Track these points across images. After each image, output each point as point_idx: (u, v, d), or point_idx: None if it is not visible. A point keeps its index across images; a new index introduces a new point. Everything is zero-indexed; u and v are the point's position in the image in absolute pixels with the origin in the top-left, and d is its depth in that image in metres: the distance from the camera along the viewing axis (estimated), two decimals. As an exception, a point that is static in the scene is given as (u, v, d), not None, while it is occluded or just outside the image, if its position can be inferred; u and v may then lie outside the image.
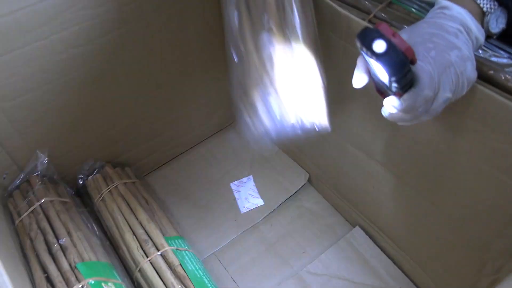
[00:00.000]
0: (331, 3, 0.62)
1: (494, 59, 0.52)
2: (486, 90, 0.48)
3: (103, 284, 0.65)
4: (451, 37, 0.46)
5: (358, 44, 0.41)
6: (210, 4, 0.81)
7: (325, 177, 0.88)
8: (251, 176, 0.94)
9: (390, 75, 0.42)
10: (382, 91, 0.49)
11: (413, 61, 0.42)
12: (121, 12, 0.71)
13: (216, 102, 0.99)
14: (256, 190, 0.92)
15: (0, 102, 0.69)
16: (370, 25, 0.48)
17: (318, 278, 0.80)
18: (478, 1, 0.48)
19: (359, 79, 0.48)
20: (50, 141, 0.79)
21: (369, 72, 0.48)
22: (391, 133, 0.65)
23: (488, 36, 0.50)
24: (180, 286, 0.69)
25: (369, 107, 0.66)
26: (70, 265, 0.66)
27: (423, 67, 0.44)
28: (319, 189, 0.92)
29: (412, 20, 0.59)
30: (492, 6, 0.48)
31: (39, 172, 0.77)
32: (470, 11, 0.48)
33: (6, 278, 0.40)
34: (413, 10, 0.60)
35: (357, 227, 0.85)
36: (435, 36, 0.46)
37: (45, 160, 0.78)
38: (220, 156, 1.00)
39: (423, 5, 0.60)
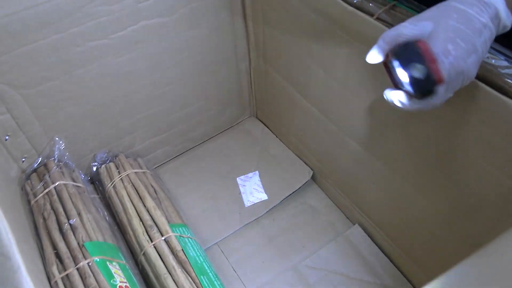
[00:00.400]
0: (341, 2, 0.65)
1: (492, 61, 0.54)
2: (485, 87, 0.50)
3: (107, 263, 0.69)
4: (474, 36, 0.45)
5: (393, 57, 0.43)
6: (222, 3, 0.85)
7: (328, 174, 0.91)
8: (257, 172, 0.98)
9: (414, 92, 0.44)
10: (394, 82, 0.50)
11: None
12: (137, 9, 0.76)
13: (227, 100, 1.03)
14: (261, 185, 0.95)
15: (22, 90, 0.74)
16: (410, 39, 0.47)
17: (316, 272, 0.82)
18: None
19: (374, 57, 0.49)
20: (67, 129, 0.83)
21: (387, 56, 0.48)
22: (392, 129, 0.67)
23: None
24: (180, 269, 0.73)
25: (370, 103, 0.69)
26: (78, 243, 0.70)
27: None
28: (322, 186, 0.95)
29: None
30: None
31: (55, 157, 0.82)
32: None
33: (16, 251, 0.44)
34: (418, 12, 0.62)
35: (357, 224, 0.87)
36: (459, 36, 0.45)
37: (62, 146, 0.82)
38: (229, 152, 1.03)
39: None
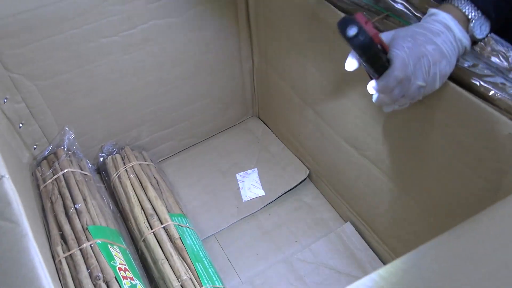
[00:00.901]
0: (335, 9, 0.69)
1: (476, 70, 0.58)
2: (457, 88, 0.54)
3: (109, 246, 0.74)
4: (432, 35, 0.52)
5: (338, 29, 0.49)
6: (228, 8, 0.90)
7: (323, 173, 0.95)
8: (256, 169, 1.02)
9: (359, 56, 0.50)
10: (370, 77, 0.56)
11: (384, 48, 0.50)
12: (147, 9, 0.81)
13: (231, 100, 1.07)
14: (259, 182, 0.99)
15: (37, 81, 0.79)
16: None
17: (307, 265, 0.86)
18: (463, 9, 0.54)
19: (350, 64, 0.56)
20: (77, 120, 0.88)
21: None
22: (378, 130, 0.71)
23: (474, 42, 0.55)
24: (177, 256, 0.77)
25: (360, 105, 0.73)
26: (82, 226, 0.75)
27: (398, 54, 0.51)
28: (318, 185, 0.99)
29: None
30: (476, 14, 0.54)
31: (65, 146, 0.87)
32: (456, 17, 0.54)
33: (25, 220, 0.48)
34: (411, 23, 0.66)
35: (348, 222, 0.91)
36: (418, 34, 0.53)
37: (72, 136, 0.87)
38: (230, 149, 1.08)
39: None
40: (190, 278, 0.75)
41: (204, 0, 0.86)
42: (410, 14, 0.67)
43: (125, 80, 0.88)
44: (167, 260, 0.77)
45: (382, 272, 0.39)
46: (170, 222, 0.82)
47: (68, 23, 0.76)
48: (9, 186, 0.49)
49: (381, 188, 0.77)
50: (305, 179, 0.99)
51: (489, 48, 0.60)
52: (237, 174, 1.01)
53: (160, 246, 0.79)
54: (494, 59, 0.59)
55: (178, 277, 0.75)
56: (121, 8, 0.78)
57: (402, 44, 0.51)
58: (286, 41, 0.85)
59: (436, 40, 0.52)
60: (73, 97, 0.85)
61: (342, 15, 0.68)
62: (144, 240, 0.81)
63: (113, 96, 0.89)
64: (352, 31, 0.48)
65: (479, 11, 0.54)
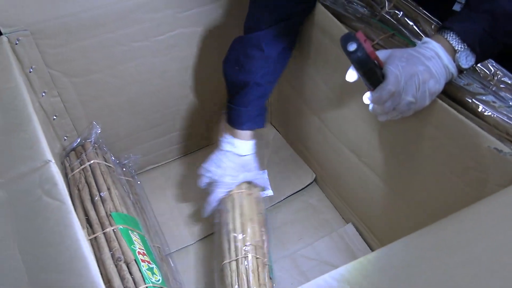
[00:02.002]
0: (341, 25, 0.76)
1: (470, 88, 0.65)
2: (444, 104, 0.62)
3: (129, 231, 0.81)
4: (424, 58, 0.60)
5: (340, 44, 0.57)
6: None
7: (327, 177, 1.02)
8: (265, 171, 1.09)
9: (357, 70, 0.57)
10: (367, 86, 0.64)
11: (380, 64, 0.57)
12: (176, 18, 0.88)
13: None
14: (268, 183, 1.06)
15: (72, 78, 0.86)
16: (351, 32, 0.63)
17: (309, 261, 0.92)
18: (451, 42, 0.61)
19: (350, 75, 0.64)
20: (104, 116, 0.96)
21: None
22: (376, 138, 0.78)
23: (460, 70, 0.63)
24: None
25: (360, 115, 0.80)
26: (106, 213, 0.82)
27: (392, 70, 0.59)
28: (323, 189, 1.06)
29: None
30: (462, 46, 0.61)
31: (92, 139, 0.95)
32: (445, 47, 0.61)
33: (69, 199, 0.56)
34: (416, 42, 0.72)
35: (350, 223, 0.97)
36: (412, 55, 0.60)
37: (99, 130, 0.95)
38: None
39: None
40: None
41: (225, 13, 0.94)
42: (414, 34, 0.74)
43: (150, 81, 0.96)
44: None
45: (370, 256, 0.45)
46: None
47: (103, 28, 0.83)
48: (55, 170, 0.56)
49: (377, 192, 0.84)
50: (311, 182, 1.06)
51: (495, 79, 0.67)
52: (248, 175, 1.08)
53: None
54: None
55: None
56: (153, 16, 0.85)
57: (396, 63, 0.59)
58: (297, 53, 0.92)
59: (427, 63, 0.59)
60: (103, 95, 0.93)
61: (347, 31, 0.75)
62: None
63: (138, 96, 0.97)
64: (352, 47, 0.56)
65: (464, 44, 0.61)
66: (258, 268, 0.81)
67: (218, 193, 0.91)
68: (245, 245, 0.83)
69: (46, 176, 0.55)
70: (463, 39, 0.61)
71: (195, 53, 0.96)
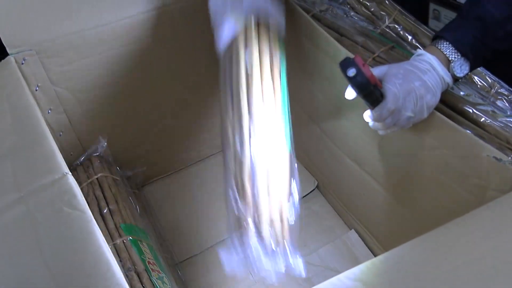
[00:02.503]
0: (337, 44, 0.78)
1: (469, 98, 0.68)
2: (441, 116, 0.63)
3: (138, 242, 0.83)
4: (420, 72, 0.62)
5: (340, 69, 0.59)
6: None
7: (329, 185, 1.04)
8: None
9: (357, 93, 0.59)
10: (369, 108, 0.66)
11: (377, 85, 0.59)
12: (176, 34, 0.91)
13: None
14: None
15: (78, 94, 0.89)
16: (350, 55, 0.65)
17: (314, 267, 0.94)
18: (445, 52, 0.63)
19: (349, 94, 0.66)
20: (109, 130, 0.98)
21: None
22: (376, 148, 0.80)
23: (456, 79, 0.65)
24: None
25: (359, 125, 0.82)
26: (115, 224, 0.84)
27: (390, 89, 0.60)
28: (325, 196, 1.08)
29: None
30: (456, 56, 0.63)
31: (99, 153, 0.97)
32: (439, 58, 0.63)
33: (88, 209, 0.58)
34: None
35: (353, 230, 0.99)
36: (408, 71, 0.62)
37: (105, 144, 0.97)
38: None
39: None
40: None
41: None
42: (413, 46, 0.77)
43: (153, 96, 0.98)
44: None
45: (382, 257, 0.48)
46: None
47: (107, 45, 0.86)
48: (72, 181, 0.59)
49: (379, 200, 0.86)
50: (313, 189, 1.08)
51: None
52: (251, 183, 1.10)
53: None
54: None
55: None
56: (155, 32, 0.88)
57: (394, 81, 0.61)
58: (295, 63, 0.94)
59: (423, 77, 0.61)
60: (107, 110, 0.95)
61: (341, 48, 0.76)
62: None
63: (141, 110, 0.99)
64: (351, 72, 0.58)
65: (458, 54, 0.63)
66: None
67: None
68: None
69: (65, 188, 0.58)
70: (457, 47, 0.63)
71: (196, 70, 0.99)
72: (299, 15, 0.85)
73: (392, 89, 0.60)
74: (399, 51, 0.77)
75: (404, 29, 0.77)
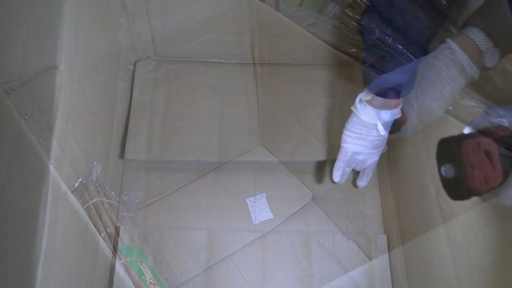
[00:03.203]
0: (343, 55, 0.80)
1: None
2: (448, 116, 0.65)
3: (139, 263, 0.82)
4: (442, 86, 0.60)
5: None
6: (238, 52, 1.02)
7: (323, 196, 1.05)
8: (264, 194, 1.11)
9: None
10: None
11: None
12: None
13: (238, 131, 1.18)
14: (267, 206, 1.08)
15: (69, 121, 0.89)
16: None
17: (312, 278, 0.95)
18: (477, 43, 0.61)
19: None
20: (102, 155, 0.98)
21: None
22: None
23: (484, 69, 0.63)
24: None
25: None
26: (114, 247, 0.83)
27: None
28: (321, 207, 1.08)
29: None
30: (489, 47, 0.60)
31: (93, 179, 0.97)
32: (471, 49, 0.60)
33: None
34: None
35: (351, 241, 1.00)
36: (428, 84, 0.61)
37: (99, 170, 0.97)
38: (239, 176, 1.16)
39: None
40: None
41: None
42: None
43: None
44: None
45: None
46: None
47: (97, 71, 0.87)
48: (73, 199, 0.59)
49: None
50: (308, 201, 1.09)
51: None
52: (247, 200, 1.11)
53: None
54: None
55: None
56: (137, 56, 0.89)
57: (412, 103, 0.62)
58: (285, 76, 0.96)
59: (444, 91, 0.60)
60: (97, 135, 0.95)
61: (344, 57, 0.77)
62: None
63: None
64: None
65: (491, 43, 0.59)
66: None
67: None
68: None
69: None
70: (487, 32, 0.58)
71: (186, 90, 1.00)
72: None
73: (411, 119, 0.62)
74: (390, 59, 0.79)
75: (394, 40, 0.79)
